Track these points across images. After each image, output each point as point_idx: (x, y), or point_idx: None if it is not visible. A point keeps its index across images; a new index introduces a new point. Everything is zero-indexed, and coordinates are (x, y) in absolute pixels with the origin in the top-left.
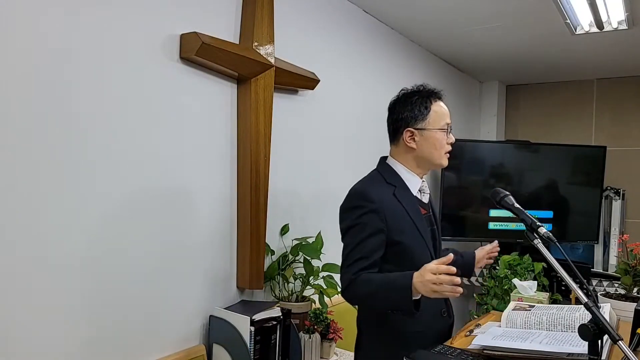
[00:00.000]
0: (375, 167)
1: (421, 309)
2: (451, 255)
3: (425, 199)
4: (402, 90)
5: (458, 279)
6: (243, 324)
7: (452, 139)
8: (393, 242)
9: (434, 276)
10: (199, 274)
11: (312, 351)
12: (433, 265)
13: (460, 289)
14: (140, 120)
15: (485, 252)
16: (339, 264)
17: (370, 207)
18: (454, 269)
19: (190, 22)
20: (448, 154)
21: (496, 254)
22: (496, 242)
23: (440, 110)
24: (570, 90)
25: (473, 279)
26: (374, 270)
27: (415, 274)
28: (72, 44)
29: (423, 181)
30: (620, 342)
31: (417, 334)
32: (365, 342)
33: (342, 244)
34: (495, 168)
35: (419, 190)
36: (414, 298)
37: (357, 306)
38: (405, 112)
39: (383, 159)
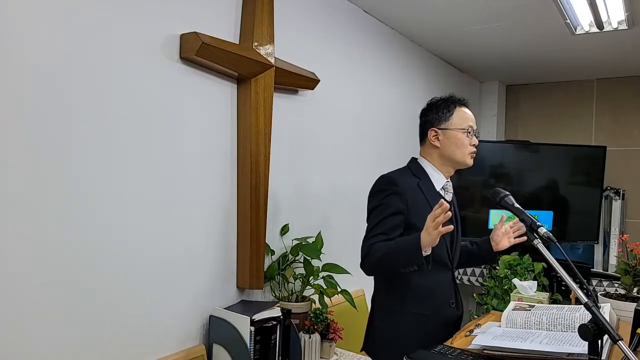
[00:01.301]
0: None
1: (432, 272)
2: (441, 201)
3: (448, 197)
4: (432, 99)
5: (441, 217)
6: (243, 324)
7: (475, 141)
8: (411, 224)
9: (429, 219)
10: (199, 274)
11: (312, 351)
12: (429, 215)
13: (447, 227)
14: (141, 120)
15: (501, 228)
16: (339, 264)
17: (393, 190)
18: (446, 206)
19: (190, 22)
20: (473, 155)
21: (523, 231)
22: (504, 216)
23: (463, 114)
24: (570, 90)
25: (473, 279)
26: None
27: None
28: (72, 44)
29: (448, 181)
30: (620, 342)
31: (426, 316)
32: (377, 322)
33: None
34: (495, 168)
35: (442, 187)
36: (424, 254)
37: (374, 279)
38: (431, 114)
39: (414, 158)
